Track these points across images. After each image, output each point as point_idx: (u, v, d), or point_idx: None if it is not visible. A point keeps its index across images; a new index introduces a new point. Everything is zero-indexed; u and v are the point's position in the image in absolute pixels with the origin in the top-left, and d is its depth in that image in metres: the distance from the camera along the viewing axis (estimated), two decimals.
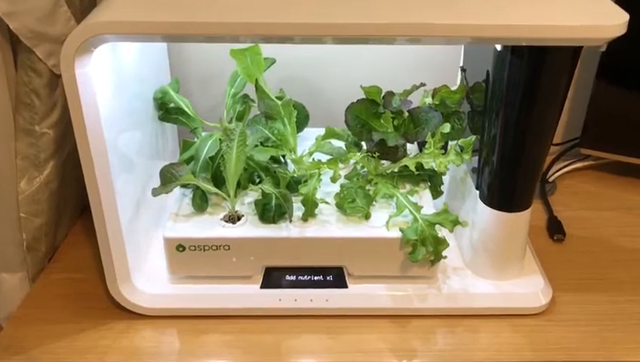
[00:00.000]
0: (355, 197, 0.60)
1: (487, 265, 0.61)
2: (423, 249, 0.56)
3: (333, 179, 0.62)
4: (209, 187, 0.59)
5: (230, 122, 0.62)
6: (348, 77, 0.69)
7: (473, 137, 0.59)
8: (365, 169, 0.65)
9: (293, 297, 0.60)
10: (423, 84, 0.61)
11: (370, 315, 0.61)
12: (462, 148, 0.60)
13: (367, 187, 0.64)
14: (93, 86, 0.43)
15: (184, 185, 0.62)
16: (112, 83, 0.50)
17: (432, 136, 0.60)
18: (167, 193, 0.56)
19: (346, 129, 0.66)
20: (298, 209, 0.60)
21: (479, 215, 0.58)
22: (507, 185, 0.55)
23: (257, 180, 0.64)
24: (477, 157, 0.59)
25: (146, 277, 0.61)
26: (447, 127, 0.60)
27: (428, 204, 0.63)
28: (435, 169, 0.61)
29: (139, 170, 0.60)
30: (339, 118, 0.66)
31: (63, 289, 0.58)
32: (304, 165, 0.62)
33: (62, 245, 0.64)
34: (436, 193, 0.64)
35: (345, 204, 0.60)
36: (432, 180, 0.67)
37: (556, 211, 0.69)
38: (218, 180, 0.60)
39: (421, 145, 0.64)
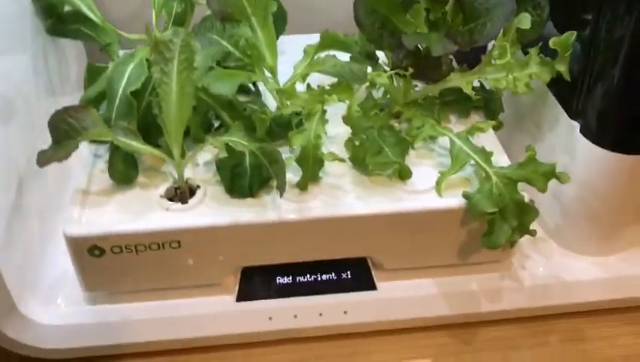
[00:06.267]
0: (383, 145, 0.53)
1: (588, 234, 0.57)
2: (506, 226, 0.49)
3: (349, 118, 0.53)
4: (136, 144, 0.50)
5: (165, 31, 0.53)
6: None
7: (572, 34, 0.52)
8: (388, 95, 0.59)
9: (292, 312, 0.54)
10: None
11: (415, 329, 0.55)
12: (552, 54, 0.53)
13: (395, 125, 0.58)
14: None
15: (96, 142, 0.55)
16: None
17: (504, 35, 0.53)
18: (62, 160, 0.47)
19: (350, 32, 0.60)
20: (290, 171, 0.52)
21: (579, 159, 0.53)
22: (636, 111, 0.50)
23: (217, 126, 0.56)
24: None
25: (44, 298, 0.53)
26: (525, 19, 0.53)
27: (496, 149, 0.55)
28: (493, 88, 0.56)
29: (17, 125, 0.52)
30: (336, 17, 0.62)
31: None
32: (297, 97, 0.53)
33: None
34: (495, 126, 0.59)
35: (366, 157, 0.53)
36: (489, 107, 0.60)
37: None
38: (151, 131, 0.52)
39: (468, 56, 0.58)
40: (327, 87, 0.53)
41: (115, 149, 0.51)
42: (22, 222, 0.52)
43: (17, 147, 0.52)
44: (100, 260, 0.50)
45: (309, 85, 0.54)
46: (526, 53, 0.55)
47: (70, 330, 0.53)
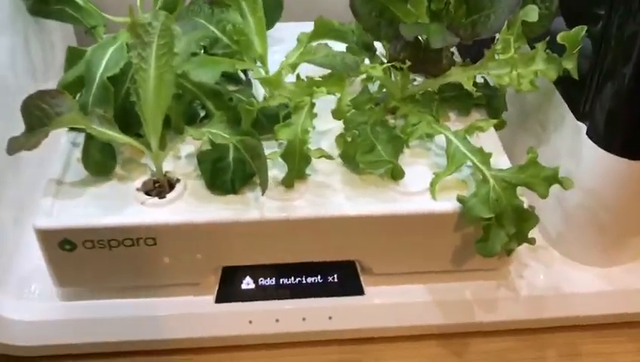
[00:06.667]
0: (375, 142, 0.51)
1: (591, 243, 0.55)
2: (502, 232, 0.47)
3: (338, 112, 0.51)
4: (111, 133, 0.47)
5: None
6: None
7: (581, 29, 0.50)
8: (384, 89, 0.56)
9: (274, 316, 0.52)
10: None
11: (404, 337, 0.54)
12: (560, 50, 0.51)
13: (390, 121, 0.55)
14: None
15: (75, 130, 0.53)
16: None
17: (508, 28, 0.51)
18: (32, 148, 0.45)
19: (347, 21, 0.58)
20: (275, 167, 0.51)
21: (585, 163, 0.51)
22: None
23: (201, 117, 0.54)
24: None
25: (15, 292, 0.52)
26: (532, 12, 0.50)
27: (497, 150, 0.53)
28: (496, 85, 0.53)
29: None
30: (337, 4, 0.59)
31: None
32: (284, 88, 0.51)
33: None
34: (497, 125, 0.56)
35: (357, 155, 0.50)
36: (491, 105, 0.58)
37: None
38: (130, 120, 0.50)
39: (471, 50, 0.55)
40: (318, 79, 0.50)
41: (90, 138, 0.49)
42: None
43: None
44: (72, 255, 0.48)
45: (298, 76, 0.50)
46: (533, 48, 0.51)
47: (41, 327, 0.51)
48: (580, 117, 0.52)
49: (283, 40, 0.60)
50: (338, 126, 0.53)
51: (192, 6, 0.56)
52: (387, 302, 0.53)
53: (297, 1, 0.66)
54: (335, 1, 0.62)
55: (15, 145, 0.46)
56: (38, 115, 0.46)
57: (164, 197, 0.49)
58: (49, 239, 0.47)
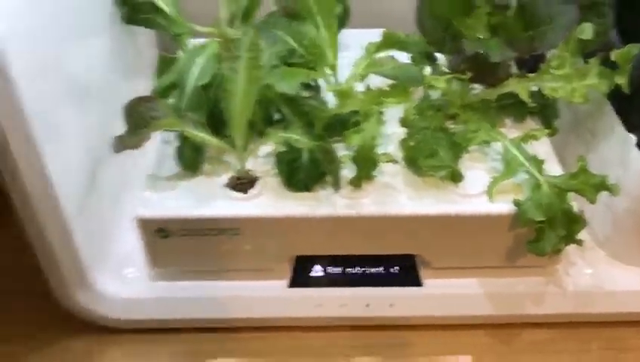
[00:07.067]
0: (436, 147, 0.55)
1: (637, 246, 0.58)
2: (553, 234, 0.51)
3: (405, 121, 0.56)
4: (203, 135, 0.53)
5: (232, 25, 0.60)
6: None
7: (634, 47, 0.52)
8: (442, 97, 0.60)
9: (340, 301, 0.57)
10: None
11: (457, 326, 0.58)
12: (612, 65, 0.53)
13: (450, 126, 0.59)
14: None
15: (167, 131, 0.57)
16: None
17: (566, 43, 0.53)
18: (135, 148, 0.52)
19: (411, 32, 0.61)
20: (346, 168, 0.55)
21: (633, 172, 0.54)
22: None
23: (277, 118, 0.59)
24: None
25: (114, 272, 0.58)
26: (588, 30, 0.52)
27: (549, 157, 0.57)
28: (549, 96, 0.55)
29: (93, 109, 0.57)
30: (399, 14, 0.62)
31: None
32: (354, 98, 0.54)
33: None
34: (550, 133, 0.60)
35: (419, 159, 0.55)
36: (545, 113, 0.61)
37: None
38: (217, 122, 0.55)
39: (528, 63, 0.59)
40: (385, 88, 0.55)
41: (184, 138, 0.55)
42: (96, 199, 0.57)
43: (91, 133, 0.57)
44: (166, 241, 0.54)
45: (368, 86, 0.56)
46: (586, 60, 0.55)
47: (135, 303, 0.58)
48: (630, 128, 0.55)
49: (348, 47, 0.65)
50: (401, 129, 0.58)
51: (269, 18, 0.62)
52: (443, 293, 0.58)
53: (360, 9, 0.70)
54: (395, 9, 0.66)
55: (120, 145, 0.52)
56: (138, 119, 0.52)
57: (246, 193, 0.54)
58: (147, 227, 0.54)
